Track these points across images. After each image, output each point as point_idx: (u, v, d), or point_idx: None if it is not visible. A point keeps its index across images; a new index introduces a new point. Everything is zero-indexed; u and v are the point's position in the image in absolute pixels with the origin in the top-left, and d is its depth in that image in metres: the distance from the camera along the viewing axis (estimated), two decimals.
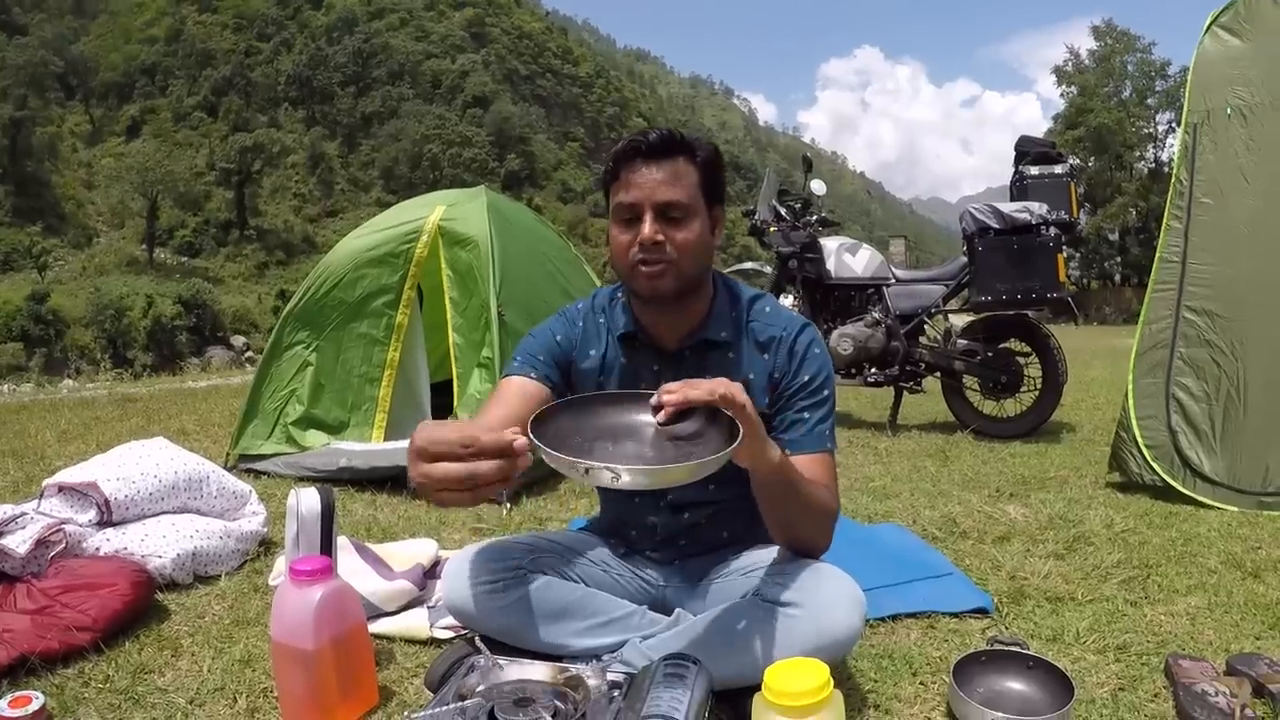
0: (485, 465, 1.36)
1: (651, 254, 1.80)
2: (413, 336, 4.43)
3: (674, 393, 1.52)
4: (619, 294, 2.04)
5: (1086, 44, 50.82)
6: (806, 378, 1.91)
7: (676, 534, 2.08)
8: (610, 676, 1.67)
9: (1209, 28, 3.72)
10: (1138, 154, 48.44)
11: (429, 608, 2.40)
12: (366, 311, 4.33)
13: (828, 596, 1.73)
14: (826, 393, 1.92)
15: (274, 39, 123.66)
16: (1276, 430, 3.41)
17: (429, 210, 4.39)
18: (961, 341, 5.42)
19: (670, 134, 1.84)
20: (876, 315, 5.51)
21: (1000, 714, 1.65)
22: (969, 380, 5.48)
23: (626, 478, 1.36)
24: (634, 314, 1.98)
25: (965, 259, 5.29)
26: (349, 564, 2.46)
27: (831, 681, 1.39)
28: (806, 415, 1.89)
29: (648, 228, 1.79)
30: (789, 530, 1.84)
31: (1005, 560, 2.80)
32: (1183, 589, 2.52)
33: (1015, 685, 1.84)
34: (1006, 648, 1.92)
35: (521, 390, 1.90)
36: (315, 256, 61.90)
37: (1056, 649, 2.11)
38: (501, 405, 1.85)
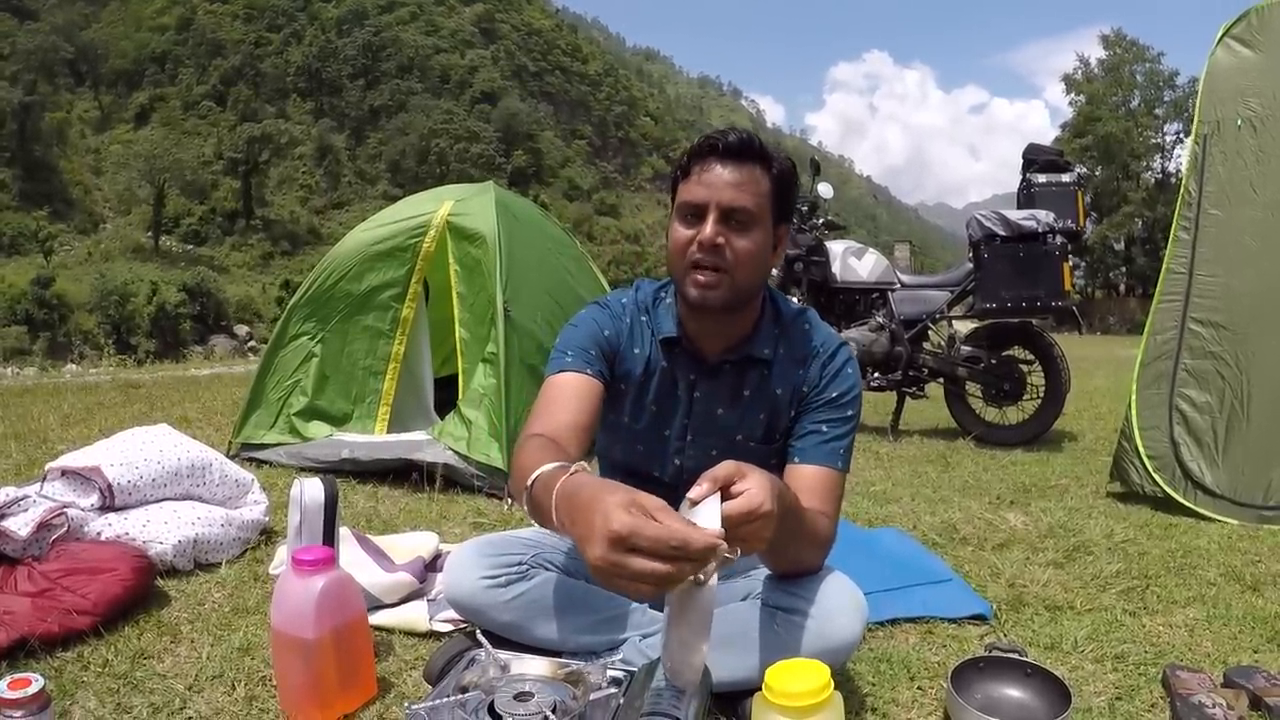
0: (687, 568, 1.21)
1: (709, 257, 1.75)
2: (418, 330, 4.43)
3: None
4: (664, 294, 2.00)
5: (1096, 53, 50.86)
6: (835, 394, 1.89)
7: None
8: (610, 673, 1.68)
9: (1221, 38, 3.71)
10: (1145, 164, 48.41)
11: (429, 601, 2.40)
12: (373, 304, 4.32)
13: (830, 602, 1.73)
14: (850, 412, 1.89)
15: (284, 30, 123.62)
16: (1279, 444, 3.41)
17: (437, 205, 4.39)
18: (965, 348, 5.42)
19: (750, 138, 1.78)
20: (881, 320, 5.51)
21: None
22: (972, 387, 5.48)
23: None
24: (680, 319, 1.93)
25: (971, 265, 5.29)
26: (350, 555, 2.46)
27: (832, 683, 1.39)
28: (825, 429, 1.86)
29: (710, 228, 1.74)
30: (779, 562, 1.79)
31: (1005, 567, 2.80)
32: (1182, 600, 2.52)
33: (1013, 692, 1.84)
34: (1004, 655, 1.92)
35: (580, 391, 1.85)
36: (320, 248, 62.03)
37: (1054, 657, 2.11)
38: (567, 409, 1.80)
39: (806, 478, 1.79)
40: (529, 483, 1.50)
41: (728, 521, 1.28)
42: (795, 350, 1.92)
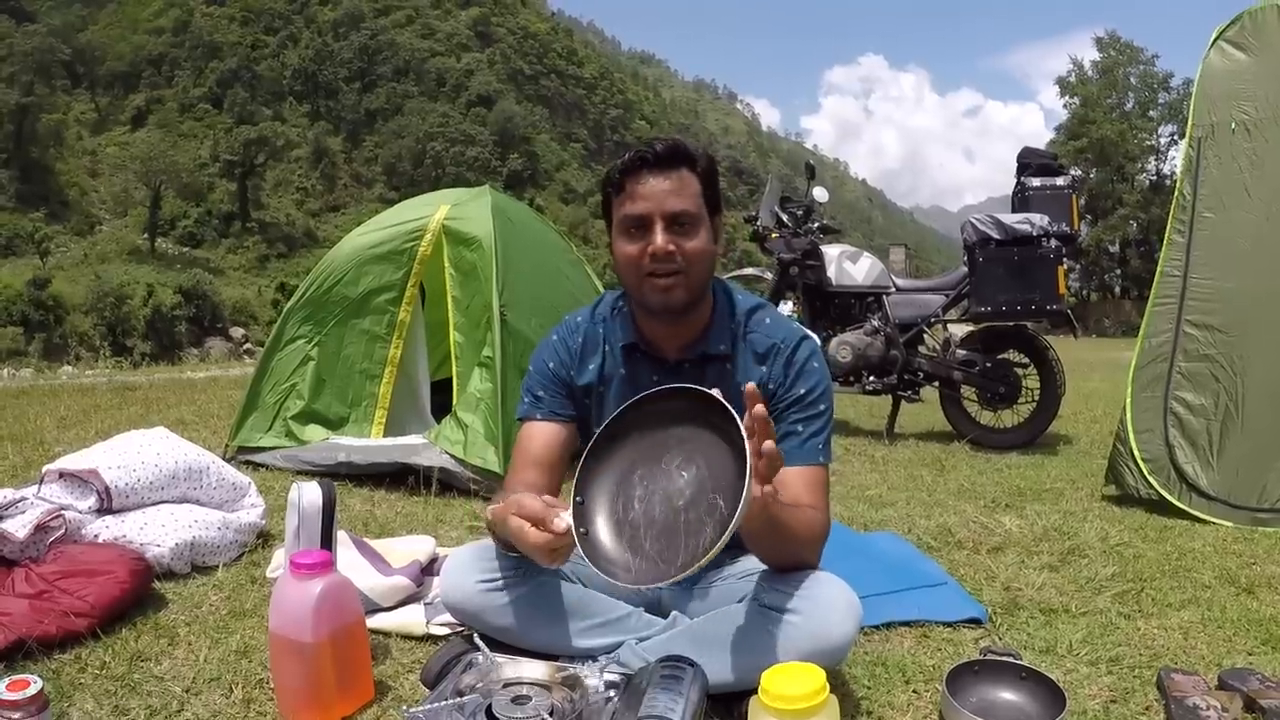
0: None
1: (664, 264, 1.80)
2: (414, 334, 4.43)
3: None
4: (621, 303, 2.05)
5: (1090, 55, 50.94)
6: (802, 390, 1.91)
7: None
8: (607, 677, 1.68)
9: (1215, 42, 3.72)
10: (1139, 166, 48.50)
11: (425, 604, 2.41)
12: (369, 308, 4.33)
13: (825, 603, 1.73)
14: (823, 406, 1.92)
15: (280, 33, 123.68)
16: (1274, 447, 3.42)
17: (433, 209, 4.39)
18: (960, 351, 5.43)
19: (676, 144, 1.84)
20: (876, 323, 5.52)
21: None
22: (967, 390, 5.49)
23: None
24: (636, 325, 1.98)
25: (966, 269, 5.30)
26: (347, 559, 2.47)
27: (828, 686, 1.39)
28: (800, 428, 1.88)
29: (660, 237, 1.79)
30: (776, 557, 1.82)
31: (1000, 571, 2.81)
32: (1176, 603, 2.53)
33: (1008, 695, 1.84)
34: (999, 658, 1.92)
35: (546, 440, 2.00)
36: (316, 250, 61.97)
37: (1049, 660, 2.11)
38: (537, 464, 1.97)
39: (792, 481, 1.79)
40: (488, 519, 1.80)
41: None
42: (756, 345, 1.96)
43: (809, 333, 2.01)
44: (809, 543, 1.81)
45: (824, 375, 1.95)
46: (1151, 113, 47.96)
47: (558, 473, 2.02)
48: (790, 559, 1.81)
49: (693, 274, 1.83)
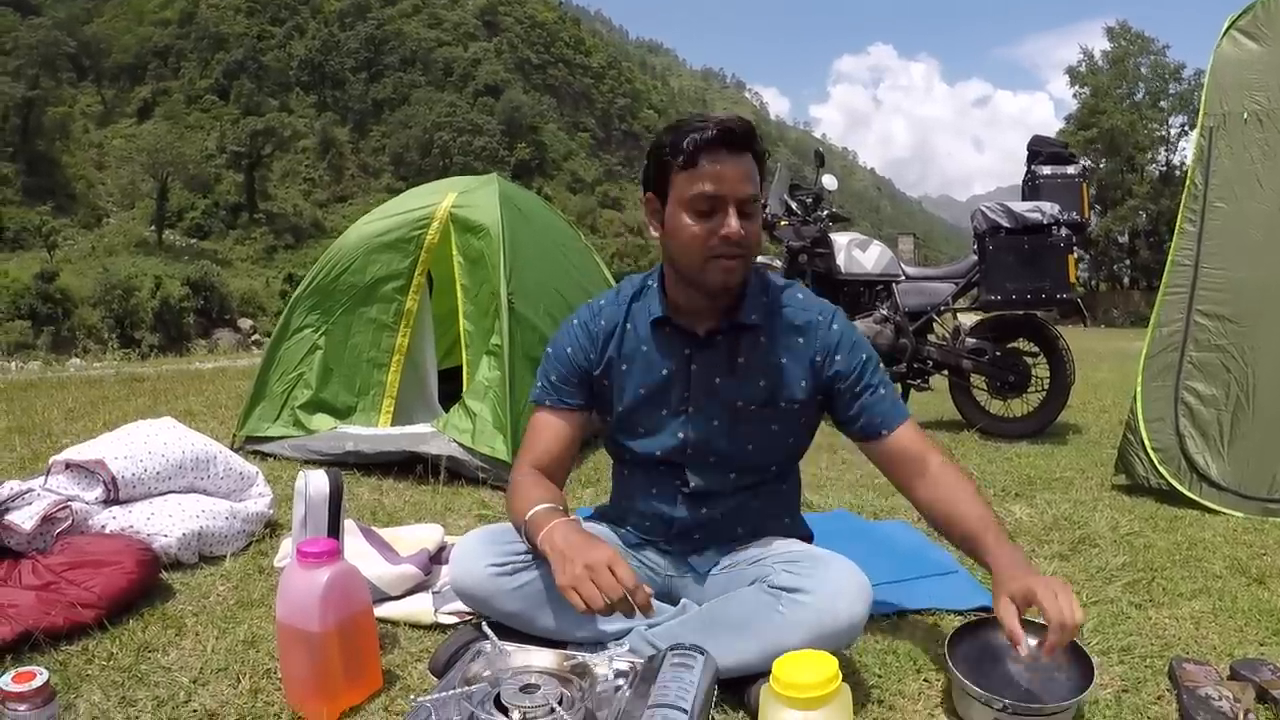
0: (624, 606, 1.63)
1: (733, 248, 1.83)
2: (422, 323, 4.42)
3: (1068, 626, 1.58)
4: (651, 281, 2.06)
5: (1100, 45, 50.71)
6: (864, 355, 1.99)
7: (693, 528, 2.07)
8: (616, 665, 1.67)
9: (1227, 31, 3.69)
10: (1149, 156, 48.24)
11: (434, 593, 2.40)
12: (376, 296, 4.32)
13: (834, 584, 1.75)
14: (880, 364, 2.03)
15: (287, 23, 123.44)
16: None
17: (441, 197, 4.38)
18: (970, 340, 5.40)
19: (749, 125, 1.85)
20: (885, 312, 5.50)
21: (1002, 700, 1.62)
22: (976, 379, 5.47)
23: None
24: (669, 299, 1.99)
25: (975, 257, 5.27)
26: (355, 547, 2.46)
27: (840, 674, 1.38)
28: (883, 390, 1.99)
29: (734, 222, 1.80)
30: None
31: None
32: (1187, 593, 2.51)
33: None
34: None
35: (560, 429, 2.05)
36: (324, 241, 62.02)
37: None
38: (550, 448, 2.04)
39: (903, 440, 1.97)
40: (526, 516, 1.84)
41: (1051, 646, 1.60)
42: (792, 318, 1.99)
43: (836, 306, 2.07)
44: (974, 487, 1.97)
45: (865, 341, 2.03)
46: (1162, 103, 47.69)
47: (566, 465, 2.10)
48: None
49: (751, 256, 1.90)
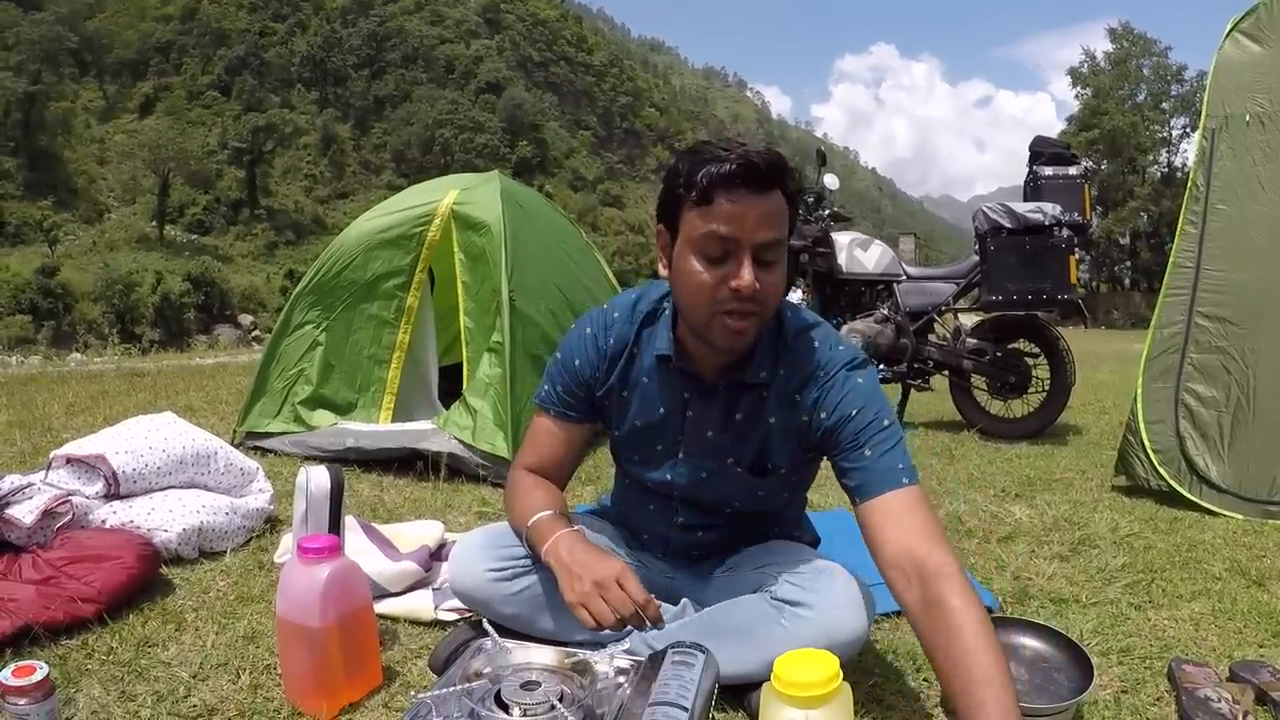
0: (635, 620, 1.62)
1: (745, 304, 1.59)
2: (423, 319, 4.42)
3: None
4: (665, 304, 1.85)
5: (1102, 46, 50.81)
6: (853, 411, 1.69)
7: (689, 547, 2.04)
8: (617, 662, 1.67)
9: (1230, 33, 3.68)
10: (1151, 158, 48.33)
11: (434, 589, 2.40)
12: (377, 293, 4.32)
13: (837, 598, 1.72)
14: (886, 421, 1.69)
15: (289, 20, 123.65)
16: None
17: (442, 194, 4.38)
18: (970, 340, 5.40)
19: (778, 159, 1.58)
20: (886, 311, 5.50)
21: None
22: (977, 379, 5.47)
23: None
24: (676, 337, 1.81)
25: (977, 258, 5.27)
26: (355, 544, 2.46)
27: (841, 674, 1.38)
28: (868, 451, 1.66)
29: (747, 273, 1.56)
30: None
31: (1010, 560, 2.80)
32: (1187, 594, 2.52)
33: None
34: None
35: (560, 438, 1.99)
36: (325, 237, 62.02)
37: None
38: (551, 454, 2.00)
39: (878, 512, 1.62)
40: (528, 523, 1.83)
41: None
42: (795, 373, 1.75)
43: (860, 354, 1.78)
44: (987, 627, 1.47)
45: (874, 391, 1.72)
46: (1164, 105, 47.77)
47: (568, 470, 2.05)
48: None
49: (767, 310, 1.66)
